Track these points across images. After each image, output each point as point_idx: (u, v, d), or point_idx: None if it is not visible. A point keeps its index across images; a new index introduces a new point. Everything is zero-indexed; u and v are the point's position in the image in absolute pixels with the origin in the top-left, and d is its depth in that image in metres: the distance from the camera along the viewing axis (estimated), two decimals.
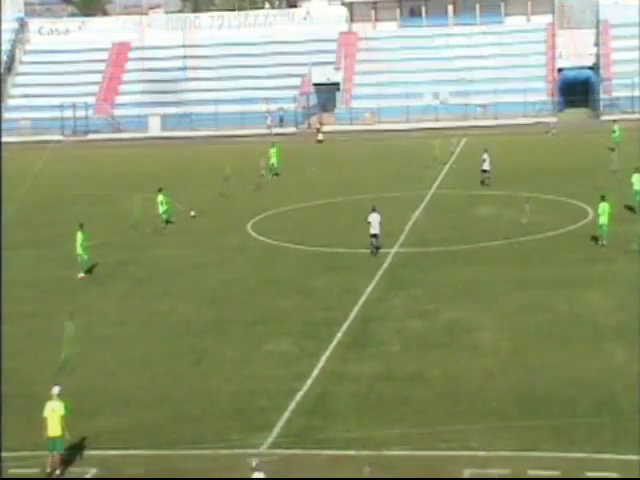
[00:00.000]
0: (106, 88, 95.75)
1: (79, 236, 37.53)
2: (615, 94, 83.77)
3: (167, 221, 46.11)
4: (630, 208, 43.60)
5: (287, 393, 24.19)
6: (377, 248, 38.61)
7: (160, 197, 46.04)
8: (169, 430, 22.42)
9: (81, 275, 37.28)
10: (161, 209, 45.77)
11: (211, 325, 30.46)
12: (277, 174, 59.21)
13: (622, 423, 21.40)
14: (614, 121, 66.72)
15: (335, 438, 21.53)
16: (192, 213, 47.95)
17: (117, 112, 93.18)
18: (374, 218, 38.33)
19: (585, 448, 20.34)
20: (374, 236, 38.38)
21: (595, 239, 38.66)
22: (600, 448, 20.28)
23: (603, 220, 38.36)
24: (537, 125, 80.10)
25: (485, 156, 52.96)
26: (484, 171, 53.03)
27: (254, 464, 18.23)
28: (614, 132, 62.93)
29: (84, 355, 27.97)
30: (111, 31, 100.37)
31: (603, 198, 38.85)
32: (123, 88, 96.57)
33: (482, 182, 52.85)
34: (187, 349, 28.21)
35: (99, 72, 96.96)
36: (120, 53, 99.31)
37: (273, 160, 59.71)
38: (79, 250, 37.38)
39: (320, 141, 77.77)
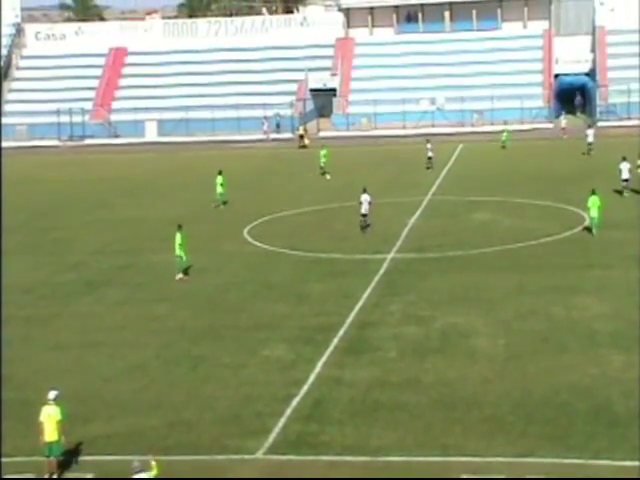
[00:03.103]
0: (103, 93, 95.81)
1: (177, 237, 37.07)
2: (611, 100, 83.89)
3: (224, 202, 51.90)
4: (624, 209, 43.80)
5: (283, 399, 24.19)
6: (366, 227, 43.48)
7: (219, 179, 52.00)
8: (165, 436, 22.41)
9: (179, 276, 37.01)
10: (220, 190, 51.69)
11: (207, 331, 30.46)
12: (325, 173, 61.34)
13: (618, 429, 21.42)
14: (505, 122, 76.45)
15: (331, 444, 21.54)
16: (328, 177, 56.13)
17: (114, 117, 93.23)
18: (364, 199, 43.40)
19: (581, 454, 20.34)
20: (364, 215, 43.44)
21: (589, 242, 38.92)
22: (596, 454, 20.29)
23: (593, 213, 40.60)
24: (534, 131, 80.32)
25: (429, 146, 61.52)
26: (429, 158, 61.80)
27: (135, 464, 18.20)
28: (503, 134, 71.51)
29: (80, 360, 27.98)
30: (108, 36, 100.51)
31: (593, 192, 41.16)
32: (120, 93, 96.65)
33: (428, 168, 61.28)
34: (183, 355, 28.21)
35: (96, 77, 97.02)
36: (117, 58, 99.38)
37: (323, 160, 61.94)
38: (177, 251, 36.99)
39: (304, 146, 78.05)
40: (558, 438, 21.18)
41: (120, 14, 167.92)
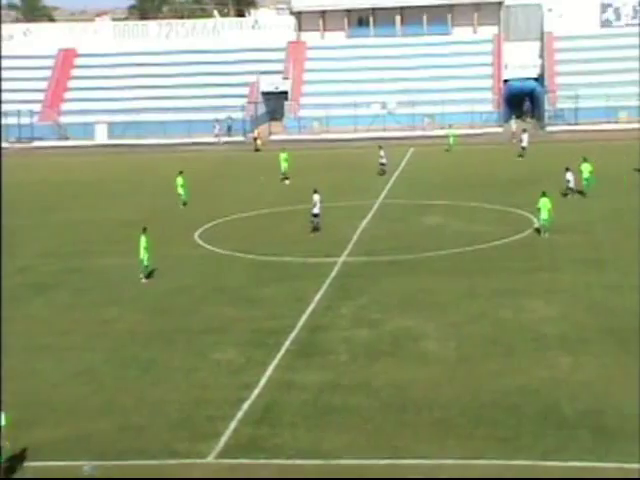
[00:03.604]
0: (52, 95, 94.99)
1: (142, 240, 36.65)
2: (560, 106, 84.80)
3: (184, 203, 52.60)
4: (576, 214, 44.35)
5: (234, 402, 24.14)
6: (317, 228, 43.84)
7: (180, 180, 52.84)
8: (115, 440, 22.25)
9: (144, 281, 36.69)
10: (180, 191, 52.57)
11: (158, 334, 30.30)
12: (286, 178, 60.35)
13: (566, 430, 21.66)
14: (449, 126, 77.07)
15: (283, 447, 21.53)
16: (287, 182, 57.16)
17: (63, 119, 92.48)
18: (316, 199, 43.84)
19: (530, 455, 20.54)
20: (315, 215, 43.86)
21: (538, 246, 39.35)
22: (544, 455, 20.50)
23: (544, 215, 41.32)
24: (484, 136, 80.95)
25: (382, 152, 61.65)
26: (382, 164, 61.72)
27: (85, 468, 18.15)
28: (449, 139, 73.00)
29: (28, 364, 27.69)
30: (57, 37, 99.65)
31: (544, 194, 41.85)
32: (69, 95, 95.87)
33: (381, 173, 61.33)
34: (133, 358, 28.04)
35: (45, 79, 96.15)
36: (66, 60, 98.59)
37: (284, 165, 60.72)
38: (142, 254, 36.57)
39: (258, 149, 78.21)
40: (507, 440, 21.36)
41: (69, 15, 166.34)
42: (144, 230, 37.11)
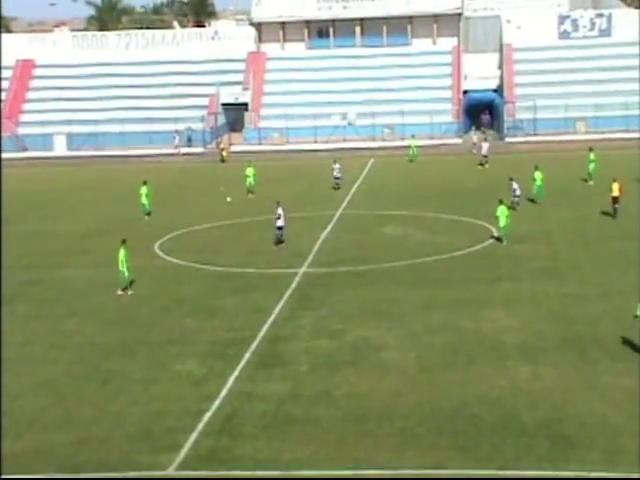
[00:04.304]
0: (10, 106, 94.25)
1: (121, 252, 36.15)
2: (518, 116, 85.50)
3: (148, 213, 52.49)
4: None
5: (195, 414, 24.07)
6: (281, 241, 43.51)
7: (144, 189, 52.52)
8: (74, 453, 22.09)
9: (119, 292, 36.33)
10: (144, 200, 52.40)
11: (118, 346, 30.14)
12: (251, 192, 59.00)
13: (525, 439, 21.80)
14: (412, 136, 76.75)
15: (243, 458, 21.49)
16: (228, 199, 55.67)
17: (21, 130, 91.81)
18: (280, 211, 43.36)
19: (489, 465, 20.64)
20: (279, 228, 43.54)
21: (497, 256, 39.65)
22: (504, 464, 20.61)
23: (502, 222, 41.99)
24: (443, 146, 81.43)
25: (336, 166, 60.63)
26: (336, 178, 60.77)
27: None
28: (411, 149, 74.19)
29: None
30: (15, 48, 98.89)
31: (501, 202, 42.74)
32: (28, 106, 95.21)
33: (335, 187, 60.28)
34: (93, 370, 27.86)
35: (3, 90, 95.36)
36: (24, 70, 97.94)
37: (250, 179, 59.34)
38: (121, 266, 36.09)
39: (223, 160, 78.22)
40: (467, 449, 21.47)
41: (28, 26, 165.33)
42: (123, 242, 36.74)
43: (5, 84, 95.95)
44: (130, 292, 36.56)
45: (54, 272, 40.97)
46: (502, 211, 41.99)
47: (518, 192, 49.74)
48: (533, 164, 53.81)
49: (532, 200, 51.28)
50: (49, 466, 21.22)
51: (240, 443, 22.25)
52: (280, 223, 43.55)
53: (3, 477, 20.84)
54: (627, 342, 27.87)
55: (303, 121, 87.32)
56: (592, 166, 57.87)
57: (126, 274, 36.39)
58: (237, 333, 30.83)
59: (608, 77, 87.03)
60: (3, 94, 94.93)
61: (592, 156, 58.35)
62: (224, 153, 79.57)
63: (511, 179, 50.39)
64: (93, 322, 32.97)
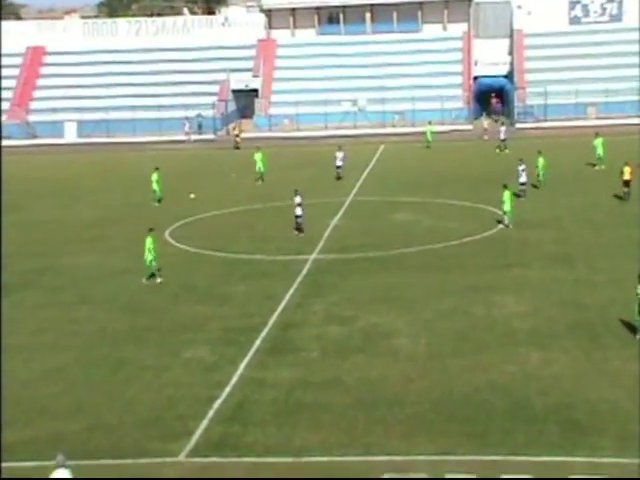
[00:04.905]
0: (20, 93, 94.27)
1: (148, 241, 35.84)
2: (529, 102, 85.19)
3: (159, 200, 52.47)
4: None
5: (206, 401, 24.13)
6: (300, 229, 43.14)
7: (155, 176, 52.43)
8: (86, 440, 22.19)
9: (145, 281, 36.17)
10: (155, 187, 52.30)
11: (129, 333, 30.22)
12: (261, 179, 58.82)
13: (535, 425, 21.80)
14: (429, 122, 75.01)
15: (254, 445, 21.54)
16: (192, 195, 53.96)
17: (32, 118, 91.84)
18: (297, 200, 43.00)
19: (500, 450, 20.67)
20: (298, 217, 43.07)
21: (508, 242, 39.62)
22: (514, 450, 20.63)
23: (507, 207, 42.34)
24: (453, 132, 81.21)
25: (340, 154, 58.74)
26: (337, 167, 58.72)
27: (59, 457, 18.09)
28: (428, 134, 72.49)
29: None
30: (25, 35, 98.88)
31: (505, 187, 42.74)
32: (38, 93, 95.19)
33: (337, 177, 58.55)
34: (104, 358, 27.95)
35: (13, 77, 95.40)
36: (35, 58, 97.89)
37: (259, 164, 59.07)
38: (147, 255, 35.79)
39: (238, 147, 78.12)
40: (477, 435, 21.48)
41: (37, 13, 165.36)
42: (150, 230, 36.59)
43: (15, 71, 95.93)
44: (159, 280, 36.17)
45: (65, 259, 41.05)
46: (506, 196, 42.23)
47: (523, 179, 49.31)
48: (544, 150, 53.66)
49: (535, 186, 50.95)
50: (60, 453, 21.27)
51: (251, 430, 22.31)
52: (298, 212, 43.14)
53: (10, 465, 20.95)
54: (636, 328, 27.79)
55: (313, 107, 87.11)
56: (600, 150, 57.73)
57: (154, 263, 36.09)
58: (248, 320, 30.88)
59: (619, 62, 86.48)
60: (13, 81, 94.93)
61: (596, 141, 58.21)
62: (238, 139, 79.20)
63: (521, 160, 50.09)
64: (104, 309, 33.06)
